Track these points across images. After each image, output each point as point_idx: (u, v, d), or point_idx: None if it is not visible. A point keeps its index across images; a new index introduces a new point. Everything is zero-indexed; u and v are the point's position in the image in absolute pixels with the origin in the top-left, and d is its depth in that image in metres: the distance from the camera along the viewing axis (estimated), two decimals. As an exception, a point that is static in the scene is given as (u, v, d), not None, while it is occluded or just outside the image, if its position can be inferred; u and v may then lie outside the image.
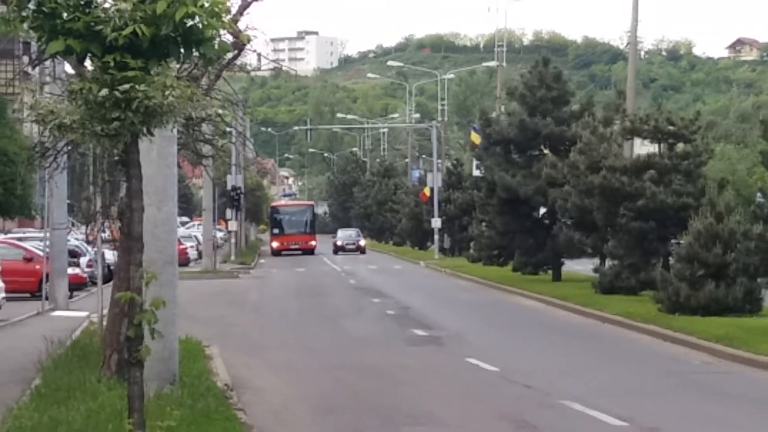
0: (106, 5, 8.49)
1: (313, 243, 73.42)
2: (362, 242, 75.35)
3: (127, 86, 8.32)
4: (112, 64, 8.44)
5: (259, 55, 23.21)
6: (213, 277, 49.51)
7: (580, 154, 35.31)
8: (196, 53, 9.21)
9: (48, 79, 20.98)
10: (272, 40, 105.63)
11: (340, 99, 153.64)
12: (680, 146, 32.71)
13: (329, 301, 38.60)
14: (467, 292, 44.89)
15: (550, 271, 42.53)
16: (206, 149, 20.17)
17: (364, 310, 34.40)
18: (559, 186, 37.25)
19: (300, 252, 69.80)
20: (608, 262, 35.51)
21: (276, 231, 74.09)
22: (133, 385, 9.29)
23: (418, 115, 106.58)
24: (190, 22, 8.64)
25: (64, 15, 8.54)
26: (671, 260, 29.99)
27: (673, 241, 31.31)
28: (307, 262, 65.63)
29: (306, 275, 55.36)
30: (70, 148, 16.63)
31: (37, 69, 23.02)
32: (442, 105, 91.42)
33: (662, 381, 19.90)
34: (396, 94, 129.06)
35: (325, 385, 19.14)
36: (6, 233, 45.09)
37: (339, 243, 71.32)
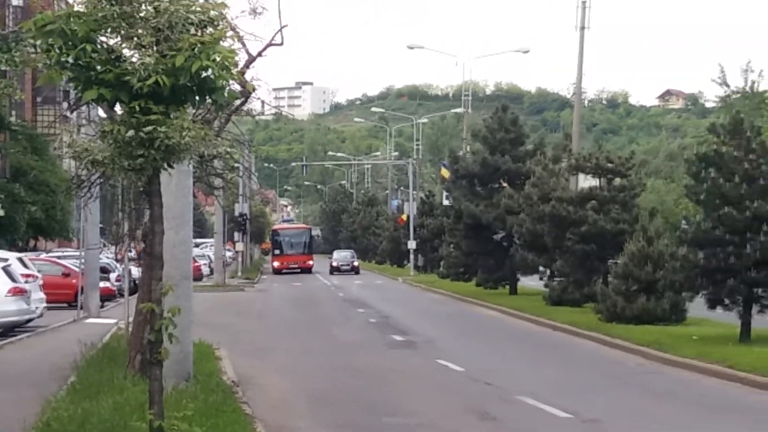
0: (133, 59, 9.58)
1: (311, 263, 75.88)
2: (356, 263, 76.64)
3: (150, 128, 9.42)
4: (137, 109, 9.52)
5: (262, 102, 25.11)
6: (223, 290, 53.70)
7: (533, 187, 38.62)
8: (209, 100, 10.13)
9: (83, 121, 22.96)
10: (274, 89, 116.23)
11: (331, 140, 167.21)
12: (617, 181, 35.48)
13: (321, 311, 41.34)
14: (438, 303, 47.89)
15: (507, 286, 45.87)
16: (217, 182, 21.89)
17: (350, 320, 36.90)
18: (516, 214, 40.47)
19: (299, 270, 72.49)
20: (556, 279, 38.48)
21: (277, 252, 77.06)
22: (153, 382, 10.39)
23: (396, 153, 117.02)
24: (204, 74, 9.66)
25: (98, 68, 9.64)
26: (609, 277, 32.35)
27: (610, 261, 33.57)
28: (302, 278, 69.93)
29: (301, 289, 59.32)
30: (101, 180, 18.12)
31: (74, 113, 25.31)
32: (417, 145, 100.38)
33: (603, 380, 21.61)
34: (378, 135, 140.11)
35: (318, 382, 20.52)
36: (47, 252, 48.15)
37: (335, 264, 72.67)
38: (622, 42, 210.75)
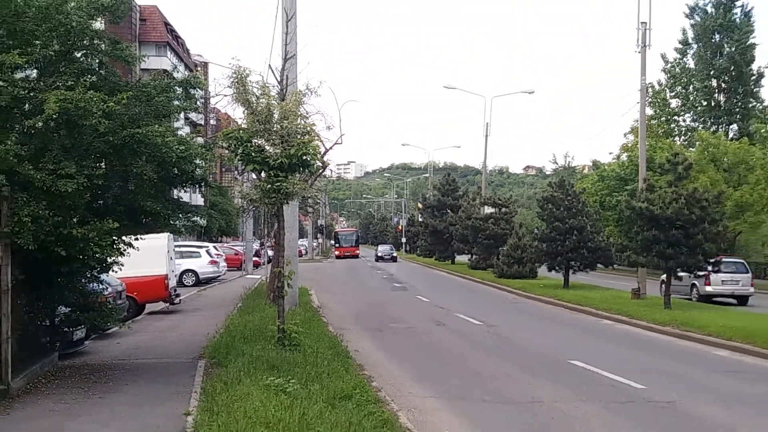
0: (270, 151, 14.54)
1: (358, 252, 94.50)
2: (395, 254, 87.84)
3: (278, 184, 14.40)
4: (272, 175, 14.50)
5: (331, 170, 45.73)
6: (311, 262, 75.83)
7: (462, 212, 59.79)
8: (306, 170, 15.50)
9: (245, 180, 35.88)
10: (336, 164, 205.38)
11: (364, 189, 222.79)
12: (503, 209, 54.18)
13: (359, 273, 60.50)
14: (416, 269, 69.27)
15: (449, 260, 69.68)
16: (310, 209, 37.24)
17: (373, 277, 55.42)
18: (454, 225, 61.89)
19: (350, 256, 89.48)
20: (474, 257, 58.24)
21: (337, 245, 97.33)
22: (279, 306, 15.89)
23: (396, 196, 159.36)
24: (304, 158, 14.46)
25: (252, 154, 14.50)
26: (500, 256, 47.25)
27: (501, 248, 49.16)
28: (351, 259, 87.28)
29: (350, 262, 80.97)
30: (254, 208, 27.17)
31: (241, 176, 38.80)
32: (404, 192, 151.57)
33: (496, 306, 32.34)
34: (387, 187, 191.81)
35: (357, 306, 30.78)
36: (227, 243, 77.47)
37: (379, 254, 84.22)
38: (507, 138, 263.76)
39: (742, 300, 34.23)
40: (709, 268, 30.23)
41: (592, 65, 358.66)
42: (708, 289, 33.63)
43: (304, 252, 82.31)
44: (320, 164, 16.09)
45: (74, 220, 11.86)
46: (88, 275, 14.44)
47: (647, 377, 14.93)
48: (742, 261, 36.95)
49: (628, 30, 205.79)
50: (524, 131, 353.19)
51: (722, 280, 33.76)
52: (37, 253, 11.62)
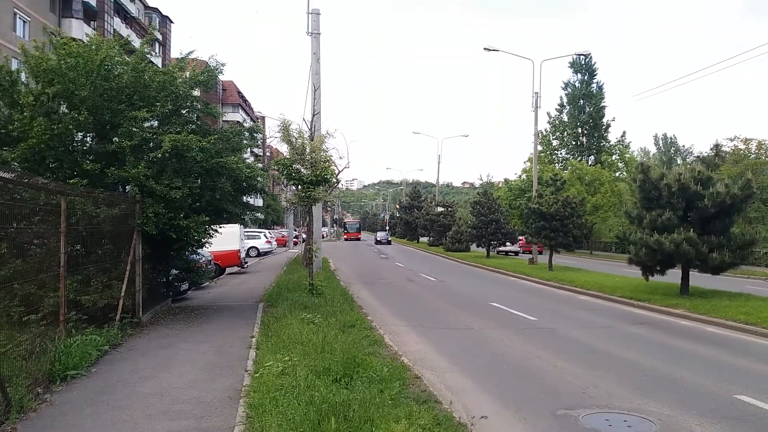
0: (303, 171, 14.70)
1: (360, 236, 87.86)
2: (389, 238, 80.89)
3: (310, 192, 14.62)
4: (306, 187, 14.70)
5: (342, 184, 39.72)
6: (329, 242, 70.19)
7: (423, 210, 61.92)
8: (326, 184, 16.08)
9: (288, 190, 33.75)
10: (345, 180, 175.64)
11: (363, 196, 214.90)
12: (449, 209, 54.41)
13: (359, 248, 57.00)
14: (396, 246, 65.73)
15: (416, 240, 70.20)
16: (329, 208, 34.38)
17: (369, 251, 51.72)
18: (418, 219, 62.02)
19: (355, 239, 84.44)
20: (430, 238, 57.44)
21: (345, 231, 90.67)
22: (309, 269, 16.25)
23: (383, 201, 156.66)
24: (326, 176, 14.67)
25: (293, 174, 14.66)
26: (447, 238, 46.28)
27: (448, 233, 47.30)
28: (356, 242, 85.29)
29: (355, 243, 73.10)
30: (293, 208, 25.78)
31: (286, 187, 37.49)
32: (388, 198, 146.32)
33: (446, 269, 31.29)
34: (377, 195, 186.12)
35: (358, 268, 30.44)
36: (277, 229, 69.44)
37: (378, 239, 77.52)
38: (452, 164, 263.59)
39: (516, 254, 44.61)
40: (507, 242, 40.87)
41: (504, 117, 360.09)
42: (501, 248, 42.98)
43: (325, 235, 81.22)
44: (335, 180, 16.00)
45: (181, 215, 11.91)
46: (190, 250, 14.56)
47: (538, 313, 15.10)
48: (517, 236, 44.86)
49: (527, 96, 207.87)
50: (462, 160, 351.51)
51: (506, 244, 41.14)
52: (158, 236, 11.82)
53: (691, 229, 16.39)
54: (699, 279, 18.60)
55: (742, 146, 50.16)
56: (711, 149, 21.54)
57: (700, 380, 8.54)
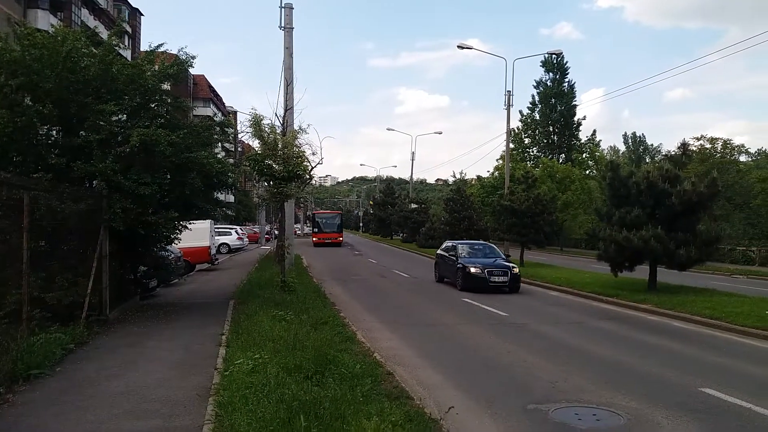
0: (275, 167, 14.43)
1: (341, 239, 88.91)
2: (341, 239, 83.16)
3: (282, 189, 14.45)
4: (278, 183, 14.53)
5: (316, 180, 38.81)
6: (302, 238, 63.43)
7: (397, 207, 61.66)
8: (299, 180, 15.80)
9: (260, 186, 32.14)
10: (318, 176, 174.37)
11: (337, 192, 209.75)
12: (423, 206, 55.11)
13: (332, 245, 52.98)
14: (368, 242, 65.19)
15: (389, 237, 67.93)
16: (302, 204, 33.68)
17: (342, 247, 49.72)
18: (392, 215, 62.43)
19: (332, 243, 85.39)
20: (403, 235, 57.80)
21: (316, 230, 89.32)
22: (282, 266, 16.06)
23: (356, 197, 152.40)
24: (299, 172, 14.51)
25: (264, 170, 14.44)
26: (421, 234, 46.78)
27: (421, 229, 47.85)
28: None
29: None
30: (265, 204, 24.97)
31: (258, 183, 34.57)
32: (362, 195, 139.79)
33: (419, 266, 31.04)
34: (351, 191, 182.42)
35: (330, 265, 30.33)
36: (248, 225, 69.46)
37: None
38: (426, 160, 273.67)
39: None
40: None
41: (479, 116, 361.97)
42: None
43: (299, 232, 80.00)
44: (308, 176, 15.75)
45: (150, 211, 11.67)
46: (159, 246, 14.36)
47: (510, 309, 15.19)
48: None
49: (501, 95, 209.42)
50: (436, 157, 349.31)
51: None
52: (126, 232, 11.56)
53: (659, 226, 16.72)
54: (666, 275, 18.95)
55: (708, 145, 51.42)
56: (678, 148, 21.94)
57: (667, 374, 8.70)
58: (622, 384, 8.05)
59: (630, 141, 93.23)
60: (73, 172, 10.90)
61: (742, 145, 65.42)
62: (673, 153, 23.68)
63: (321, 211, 74.94)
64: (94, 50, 12.17)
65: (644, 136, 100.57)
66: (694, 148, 51.50)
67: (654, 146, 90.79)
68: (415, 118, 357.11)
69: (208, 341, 9.91)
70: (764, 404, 7.17)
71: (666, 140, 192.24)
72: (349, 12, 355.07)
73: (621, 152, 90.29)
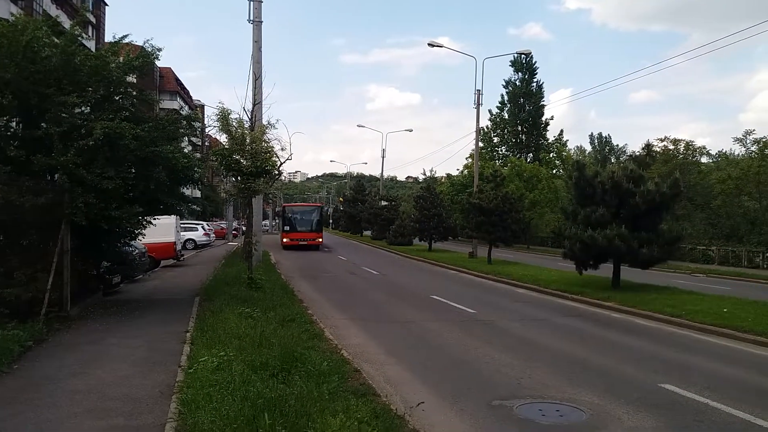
0: (243, 162, 14.41)
1: (320, 240, 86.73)
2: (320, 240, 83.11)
3: (249, 184, 14.33)
4: (245, 178, 14.41)
5: (285, 175, 38.43)
6: (271, 235, 63.34)
7: (367, 204, 60.58)
8: (267, 176, 15.76)
9: (228, 181, 30.25)
10: (288, 172, 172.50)
11: (306, 188, 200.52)
12: (393, 203, 55.34)
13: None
14: (338, 239, 63.47)
15: (359, 234, 65.57)
16: (271, 201, 32.99)
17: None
18: (362, 212, 60.67)
19: (308, 245, 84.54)
20: (372, 232, 56.56)
21: (288, 229, 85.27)
22: (249, 263, 15.91)
23: (326, 194, 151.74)
24: (267, 167, 14.41)
25: (232, 165, 14.32)
26: (390, 231, 46.34)
27: (391, 226, 47.34)
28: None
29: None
30: (233, 199, 24.79)
31: (225, 179, 33.13)
32: (332, 191, 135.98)
33: (388, 263, 31.29)
34: (321, 188, 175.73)
35: (300, 263, 29.31)
36: (215, 221, 64.11)
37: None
38: (396, 158, 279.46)
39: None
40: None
41: (450, 114, 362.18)
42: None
43: (267, 228, 78.91)
44: (277, 172, 15.64)
45: (113, 205, 11.42)
46: (122, 241, 14.17)
47: (477, 305, 15.31)
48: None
49: (471, 94, 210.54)
50: (406, 154, 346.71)
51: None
52: (88, 227, 11.31)
53: (623, 226, 17.07)
54: (630, 273, 19.33)
55: (671, 146, 52.62)
56: (642, 149, 22.50)
57: (629, 370, 8.89)
58: (585, 380, 8.20)
59: (596, 141, 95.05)
60: (33, 165, 10.64)
61: (704, 147, 67.12)
62: (637, 154, 24.28)
63: (293, 204, 57.18)
64: (56, 40, 11.90)
65: (610, 137, 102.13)
66: (658, 149, 52.64)
67: (619, 146, 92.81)
68: (387, 116, 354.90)
69: (173, 338, 9.77)
70: (719, 399, 7.38)
71: (631, 141, 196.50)
72: (320, 6, 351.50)
73: (587, 152, 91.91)
